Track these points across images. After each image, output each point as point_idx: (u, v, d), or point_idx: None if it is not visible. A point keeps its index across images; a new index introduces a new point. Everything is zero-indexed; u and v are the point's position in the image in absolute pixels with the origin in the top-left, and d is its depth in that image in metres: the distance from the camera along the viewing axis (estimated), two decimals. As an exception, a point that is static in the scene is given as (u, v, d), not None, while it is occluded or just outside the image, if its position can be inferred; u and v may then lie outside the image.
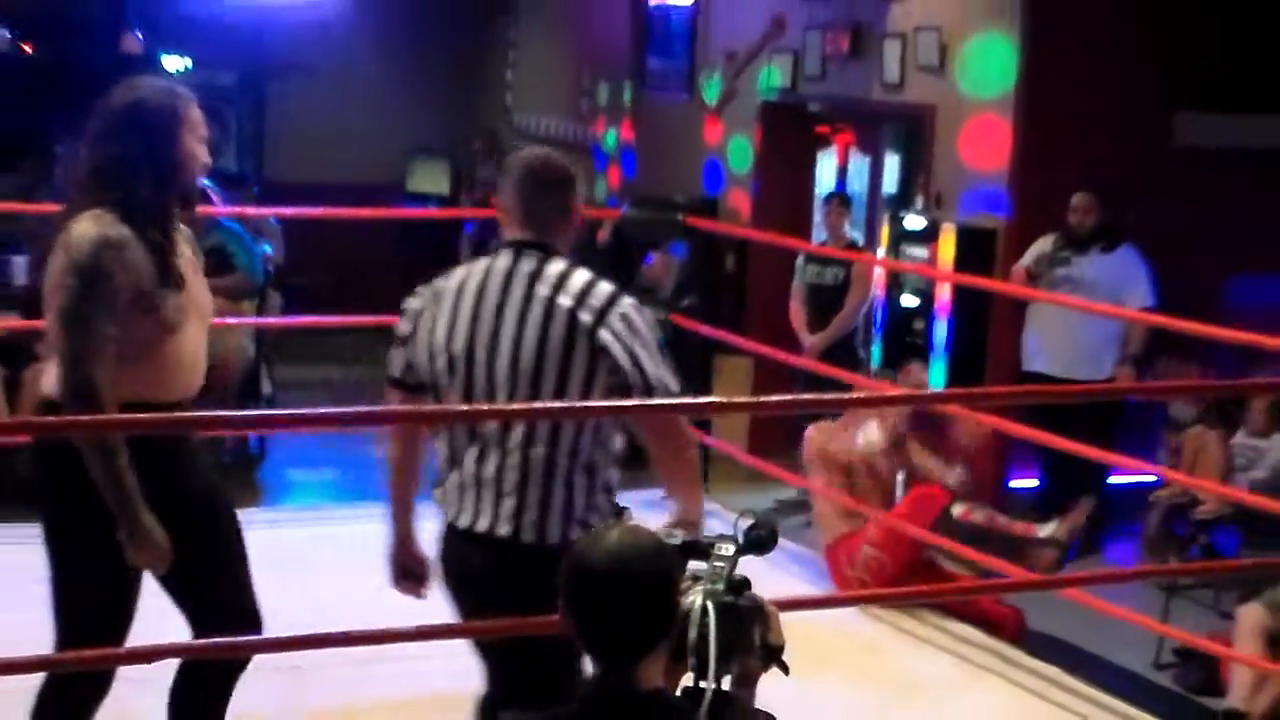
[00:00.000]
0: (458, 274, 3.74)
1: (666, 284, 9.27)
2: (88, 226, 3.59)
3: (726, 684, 2.52)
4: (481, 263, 3.74)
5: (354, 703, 4.87)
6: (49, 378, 3.79)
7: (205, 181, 10.08)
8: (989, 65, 8.17)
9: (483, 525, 3.58)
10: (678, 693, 2.50)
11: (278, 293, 10.05)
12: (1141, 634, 6.39)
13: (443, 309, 3.69)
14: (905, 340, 8.27)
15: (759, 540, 2.71)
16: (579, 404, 3.59)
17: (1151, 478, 7.79)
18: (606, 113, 11.80)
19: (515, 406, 3.58)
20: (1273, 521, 6.25)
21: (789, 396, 5.31)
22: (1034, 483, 8.13)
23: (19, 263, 8.36)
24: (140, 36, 11.93)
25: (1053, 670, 5.84)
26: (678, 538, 2.61)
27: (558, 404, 3.58)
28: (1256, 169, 8.24)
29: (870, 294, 8.43)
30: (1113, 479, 7.94)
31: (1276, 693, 5.54)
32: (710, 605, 2.44)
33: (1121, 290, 7.56)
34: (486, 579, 3.62)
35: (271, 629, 4.84)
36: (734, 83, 10.09)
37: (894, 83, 8.72)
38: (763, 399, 4.85)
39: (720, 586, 2.50)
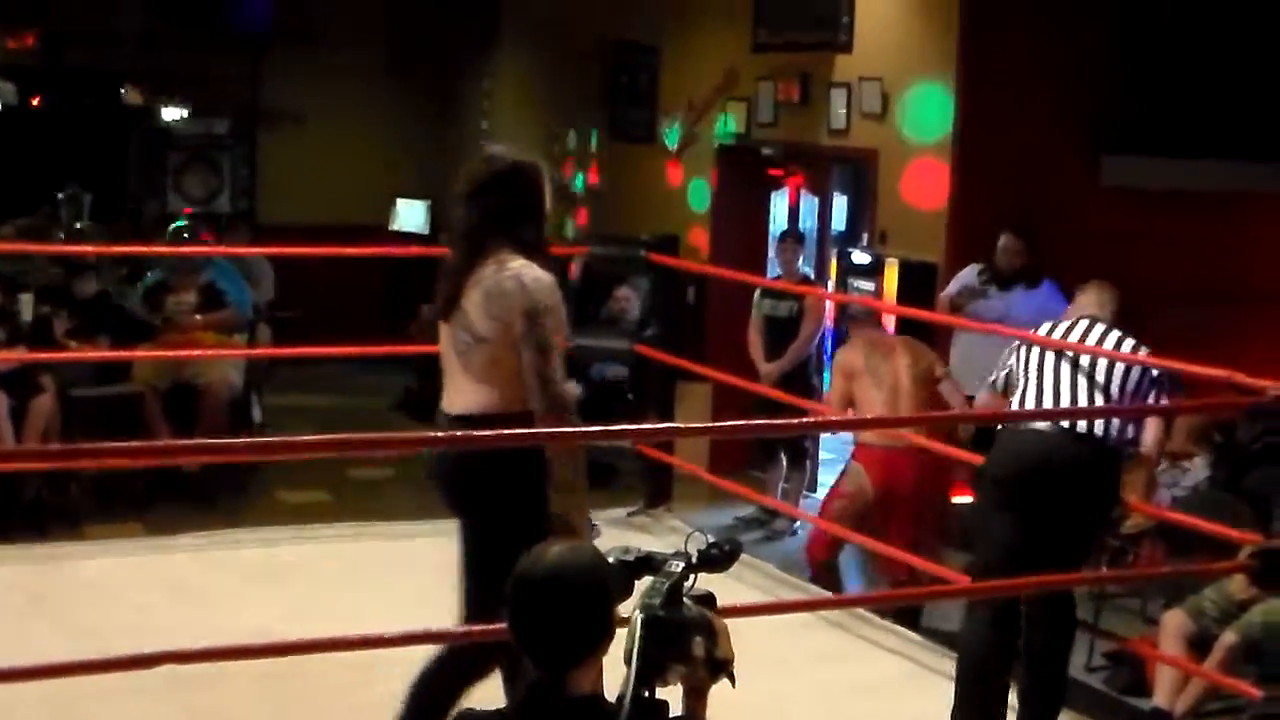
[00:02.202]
0: None
1: (630, 315, 9.30)
2: (535, 271, 3.85)
3: (660, 693, 2.51)
4: None
5: (343, 708, 4.85)
6: (464, 397, 3.96)
7: (195, 224, 10.18)
8: (927, 112, 8.23)
9: None
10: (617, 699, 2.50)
11: (268, 327, 10.04)
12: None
13: None
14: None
15: (713, 557, 2.70)
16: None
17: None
18: (575, 157, 11.83)
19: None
20: (1192, 536, 6.29)
21: (750, 421, 5.27)
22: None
23: (25, 300, 8.34)
24: (141, 89, 11.94)
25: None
26: (631, 555, 2.61)
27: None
28: (1180, 208, 8.31)
29: (822, 325, 8.47)
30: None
31: (1197, 693, 5.58)
32: (640, 617, 2.44)
33: (1040, 322, 7.56)
34: None
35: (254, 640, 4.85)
36: (693, 129, 10.13)
37: (840, 128, 8.77)
38: (723, 424, 4.80)
39: (656, 601, 2.48)
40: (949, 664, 5.47)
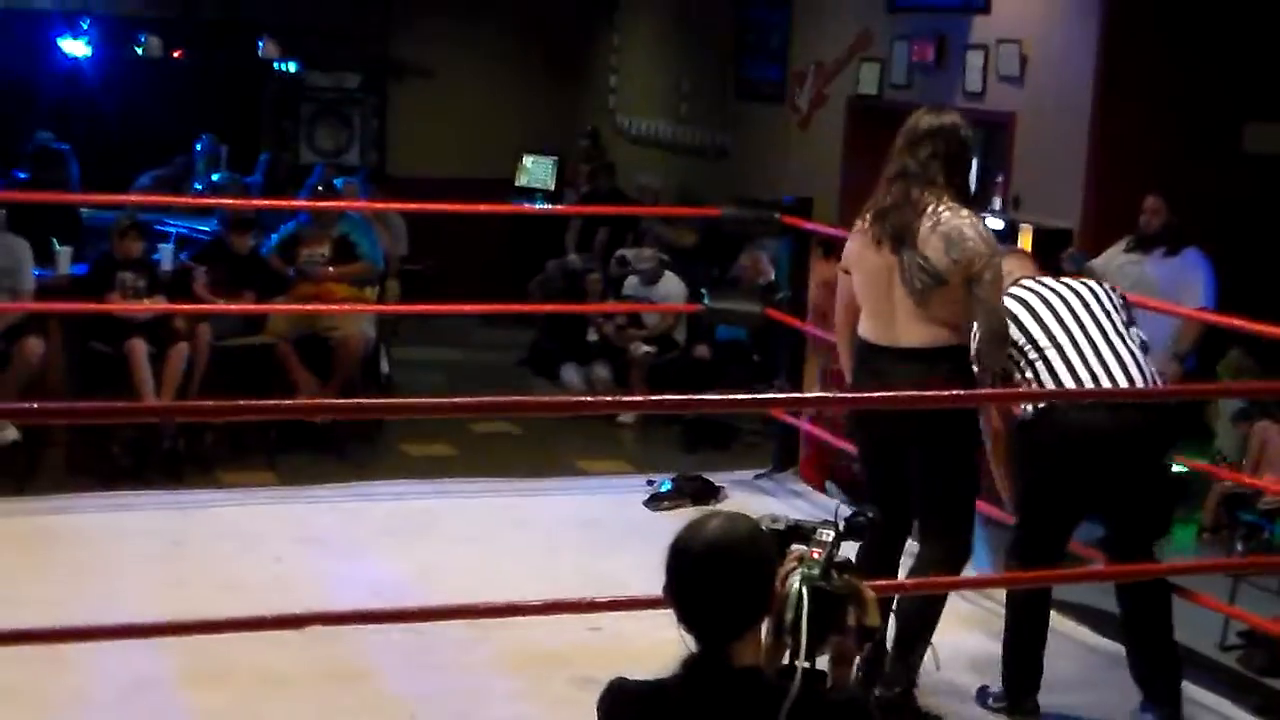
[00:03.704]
0: None
1: (759, 280, 9.27)
2: (979, 226, 4.37)
3: (821, 663, 2.53)
4: None
5: (473, 660, 4.90)
6: (918, 331, 4.39)
7: (349, 179, 10.31)
8: (1066, 75, 8.09)
9: None
10: (777, 670, 2.51)
11: (396, 281, 10.15)
12: (1206, 616, 6.31)
13: None
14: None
15: (859, 525, 2.72)
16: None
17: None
18: (704, 115, 11.79)
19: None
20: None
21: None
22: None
23: (166, 250, 8.49)
24: (277, 43, 12.08)
25: (1119, 647, 5.77)
26: (781, 524, 2.62)
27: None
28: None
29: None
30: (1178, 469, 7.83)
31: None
32: (805, 589, 2.45)
33: (1179, 291, 7.43)
34: None
35: (394, 594, 4.93)
36: (824, 89, 10.05)
37: (976, 91, 8.65)
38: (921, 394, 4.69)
39: (816, 571, 2.50)
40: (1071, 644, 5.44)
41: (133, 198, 9.21)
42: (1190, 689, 5.38)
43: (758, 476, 7.06)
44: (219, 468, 8.02)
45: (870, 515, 2.77)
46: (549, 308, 10.49)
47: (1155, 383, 4.83)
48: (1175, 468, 7.65)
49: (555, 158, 13.20)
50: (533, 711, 4.64)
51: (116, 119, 11.53)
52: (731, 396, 5.98)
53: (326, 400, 7.36)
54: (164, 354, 7.93)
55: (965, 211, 4.36)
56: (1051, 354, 4.63)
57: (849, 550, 2.73)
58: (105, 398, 7.55)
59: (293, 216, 8.88)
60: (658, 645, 4.78)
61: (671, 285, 10.02)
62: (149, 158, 11.08)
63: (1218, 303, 7.37)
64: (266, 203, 9.65)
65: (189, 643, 4.47)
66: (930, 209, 4.33)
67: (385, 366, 9.36)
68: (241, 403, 5.54)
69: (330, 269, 8.67)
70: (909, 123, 4.47)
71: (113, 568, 5.52)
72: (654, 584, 4.68)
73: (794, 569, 2.50)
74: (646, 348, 9.83)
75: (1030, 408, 4.67)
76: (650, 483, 6.84)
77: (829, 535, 2.57)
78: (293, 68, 12.50)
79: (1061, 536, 4.86)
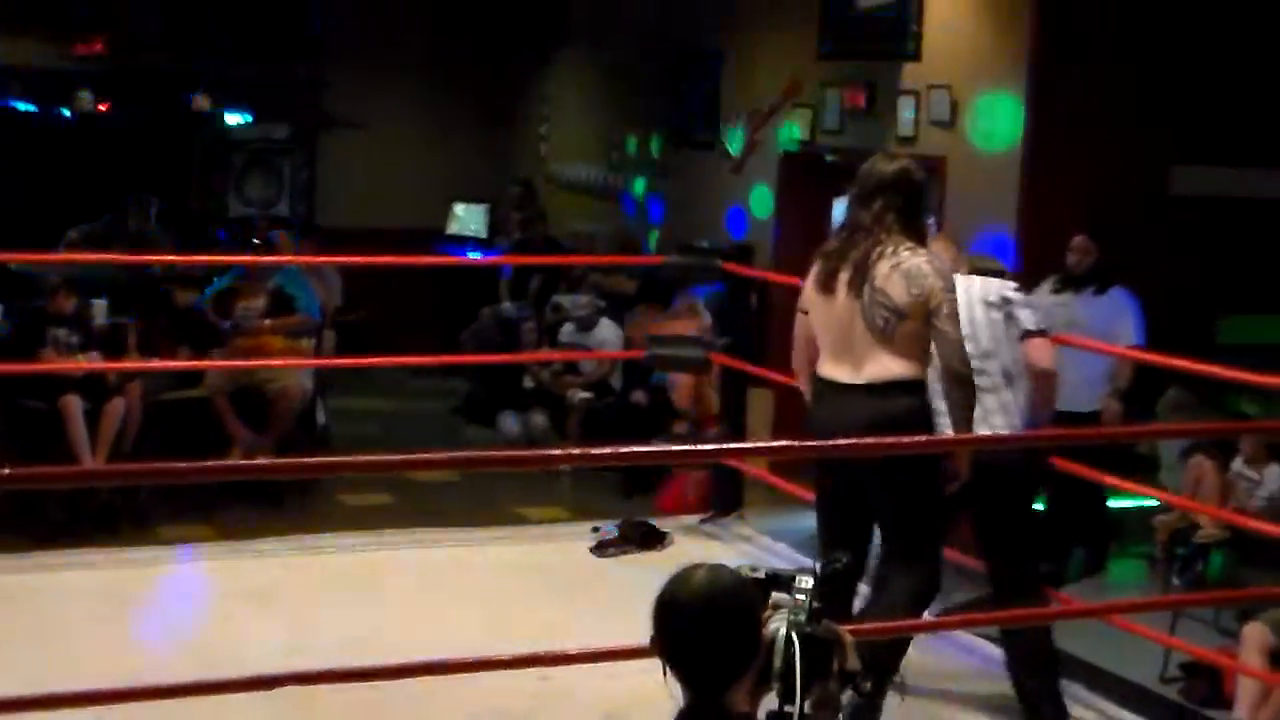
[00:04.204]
0: None
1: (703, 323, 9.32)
2: (935, 263, 4.58)
3: (807, 707, 2.55)
4: None
5: (423, 713, 4.88)
6: (880, 367, 4.55)
7: (280, 230, 10.28)
8: (997, 121, 8.21)
9: None
10: (761, 716, 2.53)
11: (333, 332, 10.11)
12: (1146, 651, 6.40)
13: None
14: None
15: (835, 573, 2.75)
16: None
17: (1152, 502, 7.82)
18: (635, 163, 11.86)
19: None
20: (1269, 546, 6.28)
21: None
22: (1039, 507, 8.12)
23: (99, 305, 8.41)
24: (207, 95, 12.03)
25: (1064, 681, 5.83)
26: (760, 572, 2.64)
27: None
28: (1247, 217, 8.28)
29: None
30: (1114, 503, 7.95)
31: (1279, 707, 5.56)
32: (795, 635, 2.48)
33: (1111, 329, 7.56)
34: None
35: (345, 649, 4.90)
36: (756, 136, 10.14)
37: (908, 136, 8.76)
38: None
39: (802, 617, 2.53)
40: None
41: (66, 256, 9.10)
42: (1137, 721, 5.47)
43: (702, 521, 7.09)
44: (156, 522, 7.93)
45: (844, 562, 2.80)
46: (487, 358, 10.49)
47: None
48: (1121, 502, 7.80)
49: (487, 205, 13.22)
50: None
51: (45, 174, 11.43)
52: (680, 448, 6.03)
53: (275, 461, 7.31)
54: (99, 410, 7.85)
55: (922, 251, 4.59)
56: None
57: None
58: (39, 454, 7.47)
59: (225, 271, 8.85)
60: (608, 694, 4.85)
61: (607, 331, 10.06)
62: (76, 213, 10.97)
63: (1146, 340, 7.51)
64: (207, 258, 9.60)
65: (146, 707, 4.40)
66: (890, 250, 4.53)
67: (322, 417, 9.31)
68: (177, 465, 5.41)
69: (267, 322, 8.63)
70: (863, 171, 4.66)
71: (62, 630, 5.46)
72: (605, 632, 4.76)
73: (777, 616, 2.52)
74: (584, 394, 9.86)
75: None
76: (595, 529, 6.85)
77: (808, 583, 2.59)
78: (225, 120, 12.44)
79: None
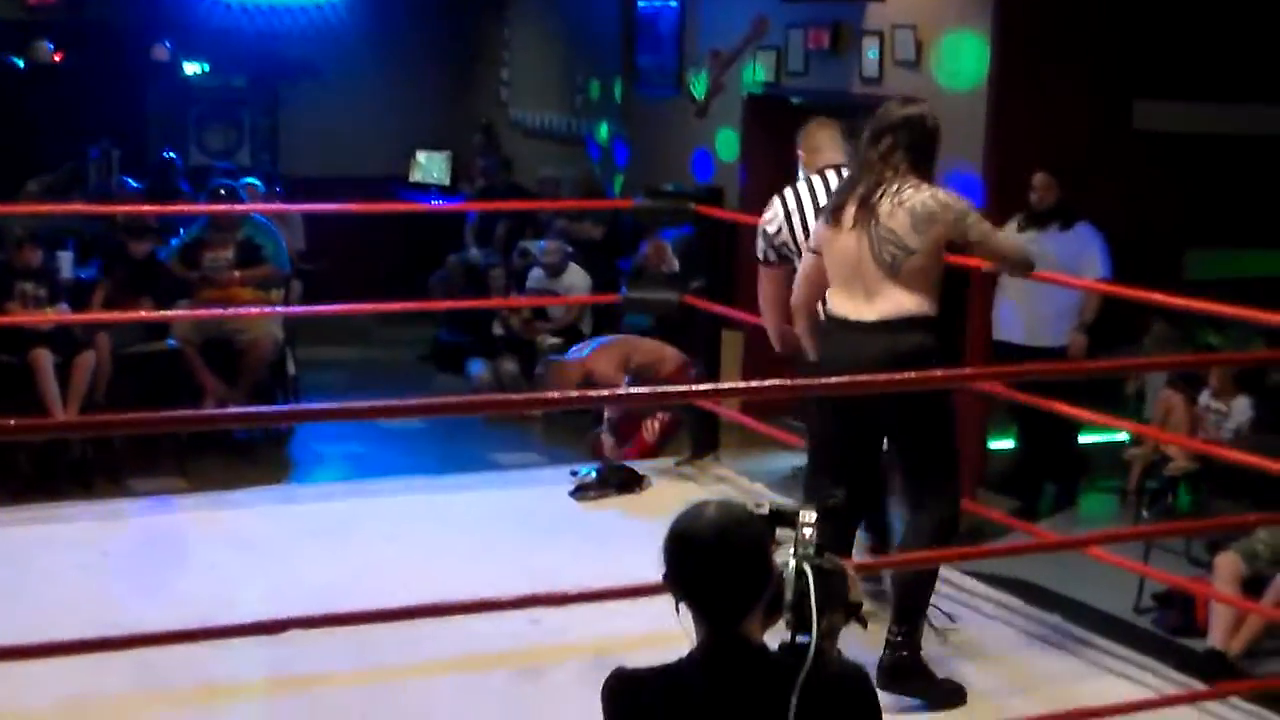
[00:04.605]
0: None
1: (664, 266, 9.32)
2: (940, 194, 4.59)
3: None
4: None
5: (418, 660, 4.90)
6: (889, 304, 4.54)
7: (249, 180, 10.21)
8: (962, 60, 8.23)
9: None
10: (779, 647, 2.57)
11: (299, 281, 10.06)
12: (1120, 582, 6.49)
13: None
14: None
15: (834, 508, 2.78)
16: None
17: (1120, 437, 7.91)
18: (598, 107, 11.82)
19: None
20: (1237, 477, 6.37)
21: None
22: (1010, 444, 8.22)
23: (65, 257, 8.34)
24: (168, 46, 11.90)
25: (1042, 613, 5.91)
26: (765, 508, 2.67)
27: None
28: (1211, 151, 8.34)
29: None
30: (1083, 439, 8.04)
31: (1253, 632, 5.65)
32: (807, 567, 2.51)
33: (1078, 264, 7.61)
34: None
35: (332, 596, 4.90)
36: (720, 78, 10.12)
37: (873, 77, 8.76)
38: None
39: (811, 550, 2.57)
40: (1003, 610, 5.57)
41: (28, 207, 9.00)
42: (1112, 650, 5.53)
43: (679, 463, 7.10)
44: (129, 476, 7.91)
45: (840, 498, 2.85)
46: (457, 304, 10.47)
47: None
48: (1090, 438, 7.88)
49: (449, 152, 13.16)
50: (484, 706, 4.64)
51: (3, 126, 11.30)
52: (658, 389, 6.02)
53: (249, 410, 7.29)
54: (69, 363, 7.80)
55: (926, 187, 4.58)
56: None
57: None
58: (8, 409, 7.42)
59: (193, 220, 8.78)
60: (594, 634, 4.88)
61: (576, 277, 10.05)
62: (35, 164, 10.85)
63: (1112, 274, 7.57)
64: (172, 208, 9.51)
65: (132, 656, 4.40)
66: (895, 189, 4.55)
67: (292, 367, 9.28)
68: (147, 415, 5.39)
69: (236, 273, 8.58)
70: (878, 114, 4.72)
71: (43, 582, 5.42)
72: (592, 575, 4.78)
73: (784, 549, 2.56)
74: (554, 339, 9.85)
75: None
76: (574, 473, 6.86)
77: (811, 517, 2.62)
78: (183, 70, 12.32)
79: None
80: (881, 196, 4.55)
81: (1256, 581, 5.84)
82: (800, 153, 5.54)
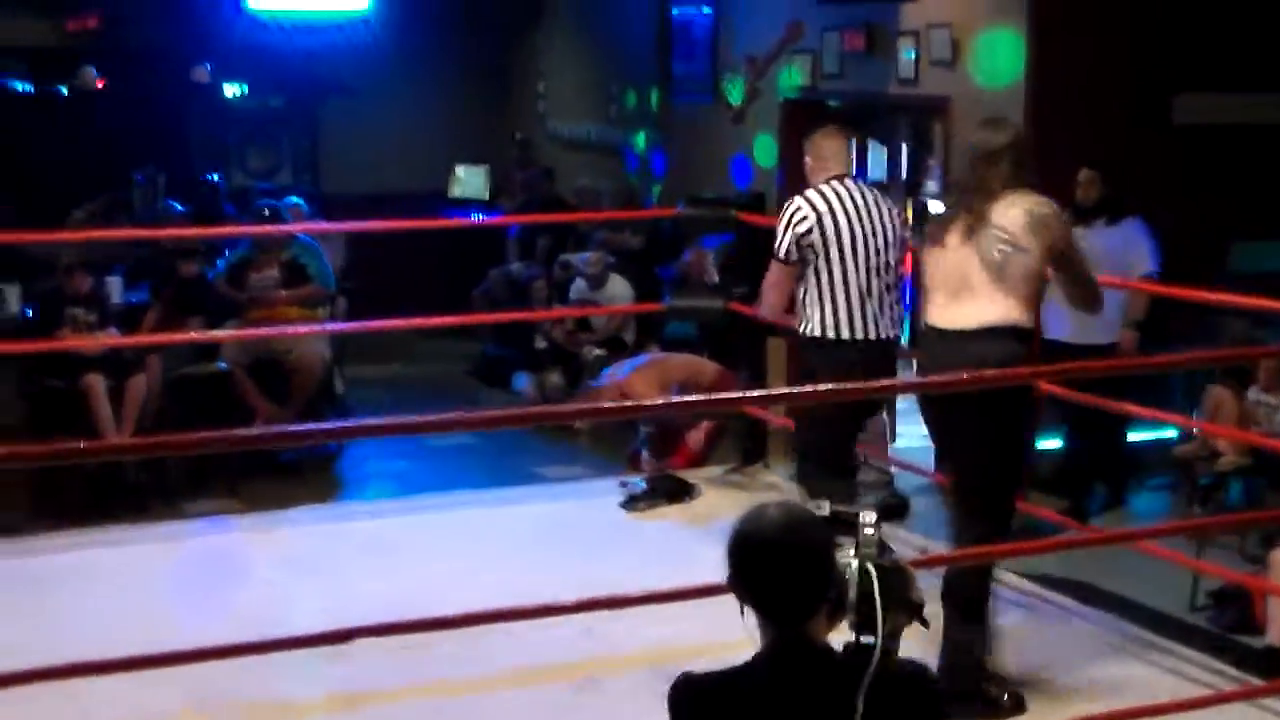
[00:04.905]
0: None
1: (705, 275, 9.34)
2: (1049, 204, 4.72)
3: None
4: None
5: (474, 675, 4.93)
6: (991, 311, 4.61)
7: (294, 199, 10.28)
8: (999, 58, 8.22)
9: None
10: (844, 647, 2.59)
11: (343, 298, 10.13)
12: (1175, 581, 6.46)
13: None
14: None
15: (893, 508, 2.81)
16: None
17: (1168, 434, 7.86)
18: (635, 116, 11.85)
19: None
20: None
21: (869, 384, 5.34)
22: (1058, 443, 8.18)
23: (114, 282, 8.43)
24: (208, 68, 12.00)
25: (1098, 613, 5.89)
26: (825, 509, 2.69)
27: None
28: (1252, 143, 8.30)
29: (902, 276, 8.46)
30: (1132, 436, 8.00)
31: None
32: (871, 567, 2.54)
33: (1126, 259, 7.58)
34: None
35: (388, 611, 4.93)
36: (756, 84, 10.13)
37: (909, 77, 8.76)
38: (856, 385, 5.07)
39: (873, 550, 2.59)
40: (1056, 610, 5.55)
41: (76, 234, 9.09)
42: (1169, 648, 5.52)
43: (728, 471, 7.12)
44: (182, 499, 7.98)
45: (899, 499, 2.86)
46: (502, 316, 10.52)
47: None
48: (1139, 435, 7.84)
49: (487, 166, 13.22)
50: (545, 718, 4.67)
51: (48, 153, 11.41)
52: (707, 397, 6.04)
53: (298, 428, 7.30)
54: (121, 387, 7.88)
55: (1036, 194, 4.72)
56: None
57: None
58: (62, 434, 7.50)
59: (238, 242, 8.86)
60: (650, 643, 4.90)
61: (618, 287, 10.08)
62: (78, 191, 10.95)
63: (1161, 268, 7.54)
64: (218, 230, 9.60)
65: (193, 674, 4.45)
66: (1008, 199, 4.65)
67: (340, 386, 9.35)
68: (200, 435, 5.39)
69: (282, 292, 8.64)
70: (976, 143, 4.81)
71: (100, 603, 5.48)
72: (647, 583, 4.79)
73: (846, 550, 2.58)
74: (598, 350, 9.88)
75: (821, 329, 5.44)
76: (623, 484, 6.88)
77: (872, 518, 2.64)
78: (223, 92, 12.42)
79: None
80: (993, 206, 4.64)
81: (1314, 576, 5.80)
82: (808, 160, 5.75)
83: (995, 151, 4.69)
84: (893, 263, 5.62)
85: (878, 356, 5.54)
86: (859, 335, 5.49)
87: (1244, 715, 4.75)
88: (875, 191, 5.74)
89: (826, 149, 5.68)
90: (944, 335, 4.69)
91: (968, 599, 4.68)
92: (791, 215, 5.51)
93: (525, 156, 12.96)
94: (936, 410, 4.79)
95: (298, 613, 5.21)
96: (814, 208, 5.48)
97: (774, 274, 5.61)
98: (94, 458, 7.07)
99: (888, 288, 5.60)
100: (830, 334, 5.49)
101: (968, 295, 4.64)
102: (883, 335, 5.56)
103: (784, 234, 5.51)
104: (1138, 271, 7.48)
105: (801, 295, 5.56)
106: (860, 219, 5.52)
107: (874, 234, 5.52)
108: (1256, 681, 5.07)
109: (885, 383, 5.33)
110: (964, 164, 4.96)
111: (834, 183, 5.56)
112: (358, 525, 6.66)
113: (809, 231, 5.45)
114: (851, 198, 5.52)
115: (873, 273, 5.51)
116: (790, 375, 9.02)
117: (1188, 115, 8.33)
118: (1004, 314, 4.60)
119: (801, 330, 5.60)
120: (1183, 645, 5.63)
